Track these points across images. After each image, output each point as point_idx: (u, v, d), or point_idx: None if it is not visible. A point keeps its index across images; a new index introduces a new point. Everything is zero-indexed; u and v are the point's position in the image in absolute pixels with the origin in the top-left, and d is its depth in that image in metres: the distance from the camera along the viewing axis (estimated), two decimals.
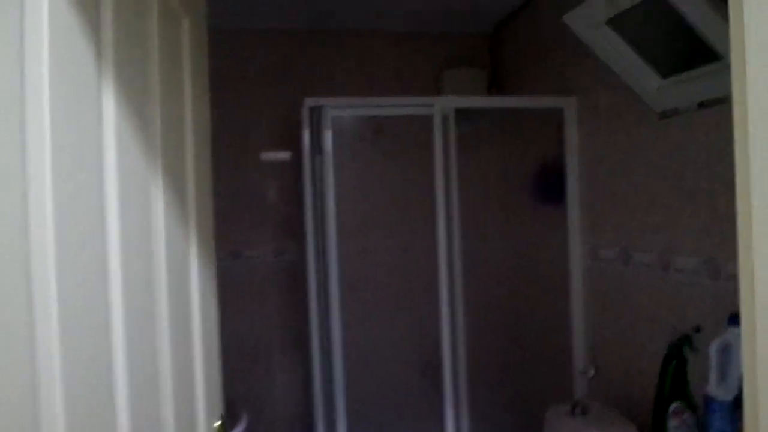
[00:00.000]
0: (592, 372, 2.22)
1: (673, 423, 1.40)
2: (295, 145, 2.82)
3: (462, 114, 2.28)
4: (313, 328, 2.18)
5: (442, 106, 2.19)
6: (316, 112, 2.15)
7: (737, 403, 1.20)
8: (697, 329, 1.40)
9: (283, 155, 2.91)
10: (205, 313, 1.19)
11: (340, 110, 2.18)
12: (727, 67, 1.47)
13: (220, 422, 1.21)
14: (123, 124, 0.85)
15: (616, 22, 1.68)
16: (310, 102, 2.11)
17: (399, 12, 2.74)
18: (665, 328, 1.85)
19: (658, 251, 1.88)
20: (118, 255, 0.82)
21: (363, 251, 2.84)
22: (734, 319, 1.29)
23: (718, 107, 1.59)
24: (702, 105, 1.65)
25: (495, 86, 2.99)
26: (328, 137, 2.14)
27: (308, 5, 2.61)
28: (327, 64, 2.91)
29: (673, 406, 1.36)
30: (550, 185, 2.44)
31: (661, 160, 1.86)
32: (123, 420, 0.81)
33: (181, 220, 1.08)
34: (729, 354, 1.31)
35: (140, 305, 0.90)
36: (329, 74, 2.90)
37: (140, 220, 0.91)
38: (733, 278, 1.54)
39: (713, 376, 1.32)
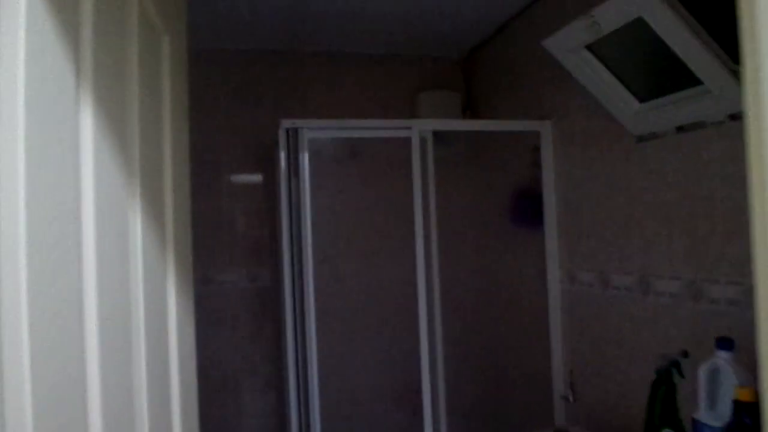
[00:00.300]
0: (571, 397, 2.21)
1: None
2: (267, 168, 2.77)
3: (437, 137, 2.27)
4: (288, 355, 2.11)
5: (420, 128, 2.18)
6: (293, 134, 2.12)
7: (728, 429, 1.19)
8: (685, 354, 1.39)
9: (255, 178, 2.86)
10: (183, 346, 1.13)
11: (317, 132, 2.15)
12: (708, 92, 1.49)
13: None
14: (101, 145, 0.80)
15: (595, 47, 1.70)
16: (286, 123, 2.07)
17: (374, 35, 2.73)
18: (646, 352, 1.84)
19: (638, 275, 1.88)
20: (94, 285, 0.76)
21: (340, 276, 2.79)
22: (722, 343, 1.28)
23: (698, 131, 1.61)
24: (680, 129, 1.67)
25: (469, 110, 3.00)
26: (304, 159, 2.10)
27: (283, 27, 2.59)
28: (301, 87, 2.88)
29: None
30: (527, 209, 2.43)
31: (640, 183, 1.87)
32: None
33: (158, 247, 1.02)
34: (718, 378, 1.30)
35: (117, 338, 0.84)
36: (303, 96, 2.87)
37: (117, 247, 0.85)
38: (715, 301, 1.55)
39: (703, 402, 1.30)
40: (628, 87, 1.74)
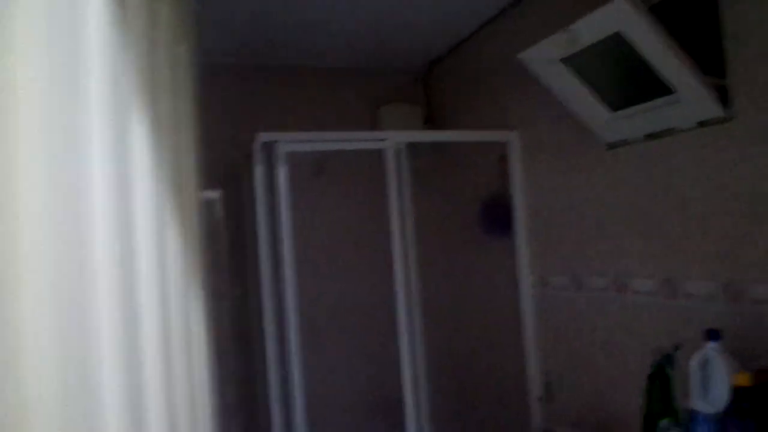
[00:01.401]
0: (545, 397, 2.27)
1: None
2: (228, 185, 2.71)
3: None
4: (270, 374, 2.07)
5: (395, 140, 2.20)
6: (267, 148, 2.09)
7: (726, 414, 1.26)
8: (677, 347, 1.47)
9: (214, 195, 2.79)
10: (201, 361, 1.09)
11: (293, 145, 2.13)
12: (678, 101, 1.58)
13: None
14: (148, 155, 0.77)
15: (569, 59, 1.78)
16: (263, 137, 2.05)
17: (334, 49, 2.74)
18: (622, 350, 1.92)
19: (612, 275, 1.97)
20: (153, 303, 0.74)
21: (319, 291, 2.75)
22: (711, 334, 1.37)
23: (667, 138, 1.72)
24: (650, 136, 1.77)
25: (430, 122, 3.06)
26: (282, 173, 2.07)
27: (241, 41, 2.55)
28: (258, 102, 2.84)
29: (661, 424, 1.41)
30: (498, 217, 2.50)
31: (610, 189, 1.96)
32: None
33: (183, 263, 0.99)
34: (708, 368, 1.38)
35: (160, 354, 0.81)
36: (264, 111, 2.83)
37: (159, 264, 0.83)
38: (692, 296, 1.64)
39: (696, 391, 1.38)
40: (600, 97, 1.83)
